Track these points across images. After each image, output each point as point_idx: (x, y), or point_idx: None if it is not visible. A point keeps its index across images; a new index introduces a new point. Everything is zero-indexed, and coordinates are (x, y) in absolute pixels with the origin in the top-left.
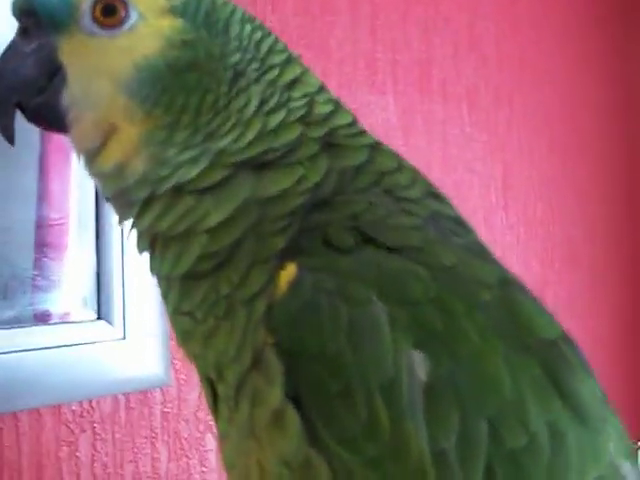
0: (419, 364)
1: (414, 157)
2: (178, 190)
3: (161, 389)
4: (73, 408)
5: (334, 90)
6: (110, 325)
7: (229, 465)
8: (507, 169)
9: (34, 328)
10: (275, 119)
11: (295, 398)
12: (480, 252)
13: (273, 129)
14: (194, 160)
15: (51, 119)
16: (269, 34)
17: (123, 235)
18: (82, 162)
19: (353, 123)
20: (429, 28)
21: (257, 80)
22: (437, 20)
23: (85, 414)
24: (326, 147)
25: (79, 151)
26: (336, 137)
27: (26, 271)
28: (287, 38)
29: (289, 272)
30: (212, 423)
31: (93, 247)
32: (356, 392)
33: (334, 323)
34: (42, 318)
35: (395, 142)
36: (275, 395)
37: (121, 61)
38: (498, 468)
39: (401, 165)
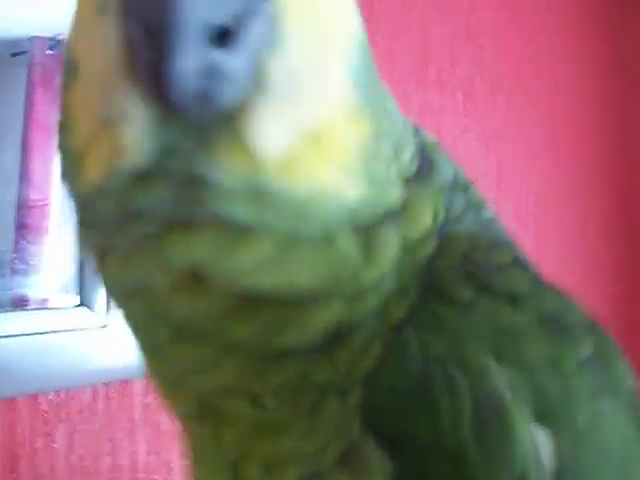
0: (544, 445)
1: None
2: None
3: (143, 380)
4: (50, 398)
5: None
6: (91, 311)
7: None
8: (501, 161)
9: (11, 313)
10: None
11: None
12: (554, 288)
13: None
14: (395, 180)
15: (229, 92)
16: None
17: None
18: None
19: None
20: (427, 19)
21: None
22: (437, 8)
23: (62, 404)
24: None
25: (231, 151)
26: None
27: (4, 254)
28: None
29: None
30: None
31: (74, 231)
32: None
33: (454, 407)
34: (20, 303)
35: None
36: None
37: (349, 26)
38: None
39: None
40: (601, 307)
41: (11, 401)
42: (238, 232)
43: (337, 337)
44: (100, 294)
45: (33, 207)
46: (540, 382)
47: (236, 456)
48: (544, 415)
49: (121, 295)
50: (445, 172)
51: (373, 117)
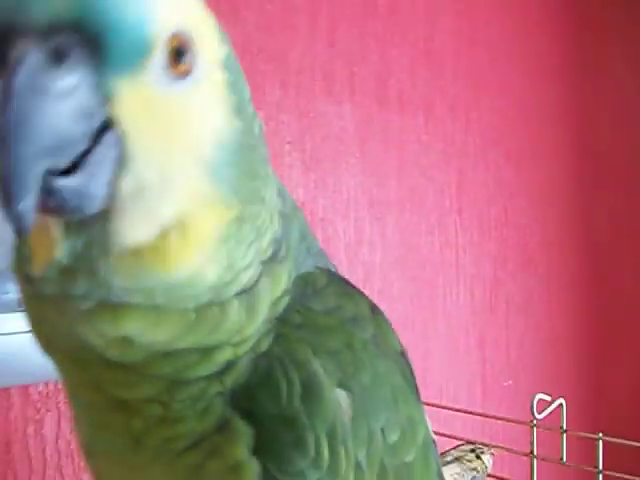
0: (344, 401)
1: (371, 164)
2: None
3: None
4: (40, 389)
5: (292, 100)
6: None
7: None
8: (462, 175)
9: (7, 315)
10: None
11: (255, 450)
12: (344, 281)
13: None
14: (251, 264)
15: (82, 202)
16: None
17: None
18: (107, 262)
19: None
20: (387, 41)
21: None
22: (395, 34)
23: (51, 395)
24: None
25: (112, 248)
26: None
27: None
28: (248, 51)
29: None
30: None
31: None
32: (308, 440)
33: (289, 387)
34: (10, 305)
35: (351, 150)
36: (239, 452)
37: (201, 128)
38: (386, 458)
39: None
40: (563, 311)
41: (5, 391)
42: (150, 312)
43: (227, 367)
44: None
45: None
46: (340, 361)
47: (139, 433)
48: (343, 381)
49: (53, 348)
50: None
51: (236, 205)
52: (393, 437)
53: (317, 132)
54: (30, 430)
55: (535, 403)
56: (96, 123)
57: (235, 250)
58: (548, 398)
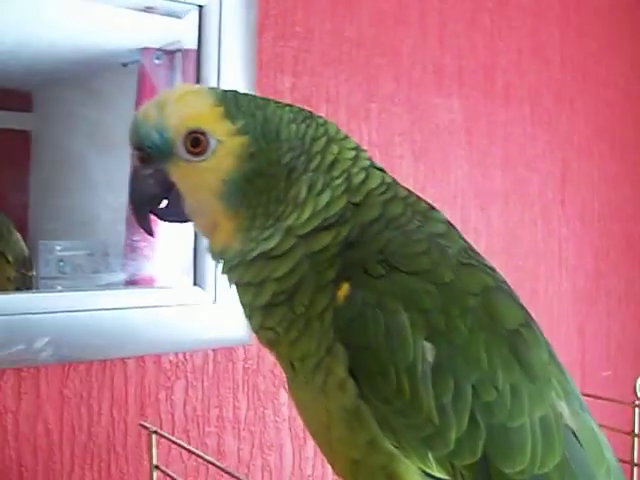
0: (429, 352)
1: (476, 155)
2: (259, 257)
3: (243, 347)
4: (170, 359)
5: (404, 93)
6: (203, 290)
7: (302, 407)
8: (566, 167)
9: (142, 290)
10: (323, 199)
11: (352, 371)
12: (469, 262)
13: (324, 206)
14: (270, 236)
15: (176, 218)
16: (311, 123)
17: None
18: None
19: (380, 184)
20: (494, 35)
21: (305, 170)
22: (502, 27)
23: (180, 364)
24: (356, 208)
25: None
26: (368, 198)
27: (137, 242)
28: (363, 46)
29: (343, 290)
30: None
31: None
32: (389, 372)
33: (376, 327)
34: (149, 282)
35: (459, 141)
36: (340, 370)
37: (212, 178)
38: (478, 413)
39: (405, 206)
40: None
41: (141, 359)
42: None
43: (290, 295)
44: (210, 276)
45: None
46: (431, 320)
47: (289, 359)
48: (432, 337)
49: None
50: (370, 214)
51: (243, 212)
52: (487, 397)
53: (426, 124)
54: (161, 396)
55: (638, 384)
56: (167, 185)
57: (249, 233)
58: None
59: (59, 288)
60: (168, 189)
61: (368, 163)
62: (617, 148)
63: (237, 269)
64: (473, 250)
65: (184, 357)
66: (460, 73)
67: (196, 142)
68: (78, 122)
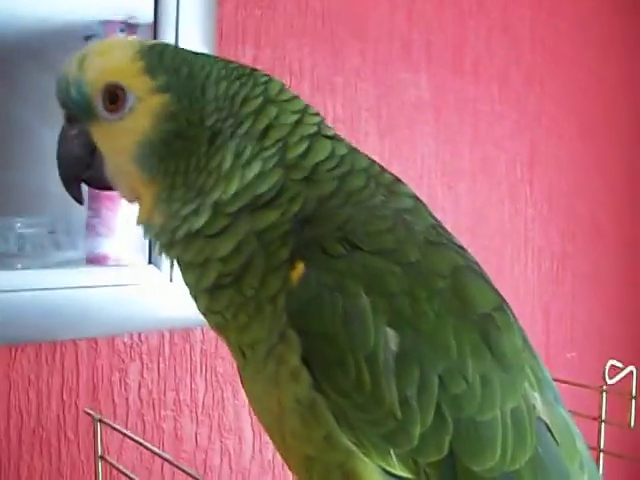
0: (391, 339)
1: (445, 132)
2: (192, 236)
3: (201, 328)
4: (124, 340)
5: (370, 68)
6: (158, 270)
7: (253, 398)
8: (535, 147)
9: (94, 268)
10: (252, 171)
11: (306, 360)
12: (437, 240)
13: (253, 180)
14: (195, 213)
15: (103, 185)
16: (247, 80)
17: None
18: None
19: (330, 156)
20: (464, 11)
21: (232, 135)
22: (472, 3)
23: (135, 346)
24: (305, 183)
25: None
26: (315, 174)
27: (89, 219)
28: (327, 19)
29: (298, 270)
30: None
31: None
32: (347, 361)
33: (333, 311)
34: (101, 260)
35: (426, 118)
36: (293, 359)
37: (128, 140)
38: (444, 406)
39: (368, 179)
40: (633, 282)
41: (93, 341)
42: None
43: (238, 276)
44: None
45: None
46: (395, 304)
47: (238, 345)
48: (395, 322)
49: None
50: (326, 187)
51: (161, 180)
52: (455, 389)
53: (393, 100)
54: (115, 378)
55: (607, 369)
56: (90, 147)
57: (168, 207)
58: (620, 365)
59: (18, 266)
60: (92, 152)
61: (314, 130)
62: (586, 130)
63: (173, 248)
64: (443, 228)
65: (139, 338)
66: (428, 48)
67: (114, 98)
68: (34, 95)
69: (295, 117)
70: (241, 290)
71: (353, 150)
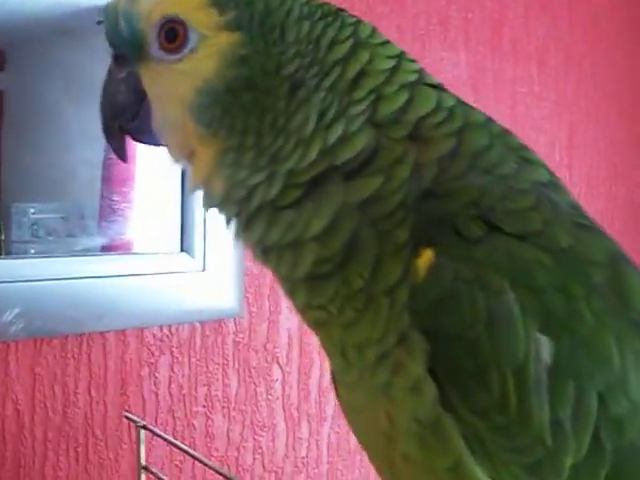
0: (544, 347)
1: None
2: (272, 208)
3: (234, 320)
4: (154, 332)
5: (408, 44)
6: (191, 257)
7: (351, 408)
8: (573, 129)
9: (122, 256)
10: (334, 133)
11: (432, 370)
12: (584, 222)
13: (335, 143)
14: (267, 182)
15: (149, 140)
16: (333, 21)
17: None
18: None
19: (436, 108)
20: None
21: (317, 87)
22: None
23: (165, 338)
24: (413, 142)
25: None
26: (421, 131)
27: (117, 203)
28: None
29: (425, 259)
30: (279, 355)
31: (179, 186)
32: (490, 373)
33: (473, 311)
34: (129, 247)
35: (465, 96)
36: (415, 367)
37: (185, 85)
38: (603, 431)
39: (491, 137)
40: None
41: (121, 333)
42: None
43: (342, 262)
44: (199, 241)
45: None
46: (547, 303)
47: (342, 346)
48: (548, 327)
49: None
50: (442, 147)
51: (223, 138)
52: (617, 409)
53: None
54: (144, 372)
55: None
56: (139, 93)
57: (234, 172)
58: None
59: (32, 252)
60: (140, 99)
61: (414, 77)
62: (625, 113)
63: (251, 225)
64: (583, 209)
65: (169, 331)
66: (466, 26)
67: (172, 35)
68: (52, 80)
69: (391, 63)
70: (347, 280)
71: (462, 103)
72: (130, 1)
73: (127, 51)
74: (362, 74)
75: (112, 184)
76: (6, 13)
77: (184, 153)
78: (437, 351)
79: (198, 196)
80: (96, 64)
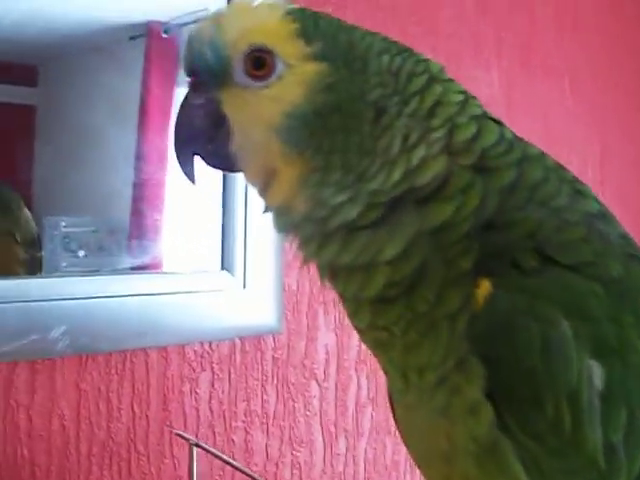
0: (596, 374)
1: (516, 130)
2: (351, 228)
3: (273, 336)
4: (195, 349)
5: (442, 63)
6: (232, 275)
7: (410, 428)
8: (605, 146)
9: (166, 275)
10: (416, 155)
11: (489, 394)
12: (633, 252)
13: (417, 165)
14: (351, 201)
15: (223, 164)
16: (408, 57)
17: (247, 194)
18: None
19: (499, 140)
20: (534, 7)
21: (399, 114)
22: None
23: (205, 355)
24: (479, 171)
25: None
26: (486, 161)
27: (158, 221)
28: (398, 16)
29: (483, 290)
30: (316, 372)
31: (219, 205)
32: (545, 399)
33: (528, 340)
34: (169, 265)
35: (499, 115)
36: (473, 391)
37: (273, 110)
38: None
39: (547, 170)
40: None
41: (164, 350)
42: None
43: (410, 286)
44: (240, 259)
45: (153, 186)
46: (599, 331)
47: (402, 368)
48: (600, 353)
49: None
50: (505, 177)
51: (310, 159)
52: None
53: None
54: (185, 388)
55: None
56: (218, 118)
57: (319, 191)
58: None
59: (76, 272)
60: (219, 123)
61: (480, 111)
62: None
63: (325, 246)
64: (632, 238)
65: (209, 347)
66: (499, 45)
67: (259, 63)
68: (83, 96)
69: (461, 97)
70: (413, 304)
71: (518, 137)
72: (216, 30)
73: (209, 77)
74: (438, 104)
75: (151, 202)
76: (38, 29)
77: (264, 174)
78: (494, 376)
79: (263, 219)
80: (125, 80)
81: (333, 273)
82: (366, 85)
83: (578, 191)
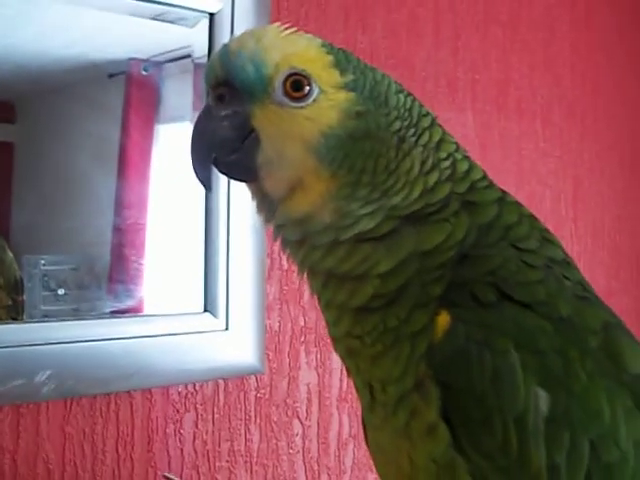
0: (542, 400)
1: (490, 171)
2: (358, 238)
3: (255, 376)
4: (179, 390)
5: None
6: (214, 317)
7: (378, 450)
8: (578, 183)
9: (151, 317)
10: (432, 178)
11: (445, 416)
12: (585, 295)
13: (431, 187)
14: (373, 214)
15: (242, 174)
16: (414, 99)
17: (229, 236)
18: (265, 210)
19: (483, 177)
20: (507, 49)
21: (416, 144)
22: (514, 42)
23: (189, 396)
24: (465, 204)
25: (265, 198)
26: (473, 193)
27: (141, 266)
28: (376, 58)
29: (443, 320)
30: (299, 410)
31: (202, 247)
32: (495, 421)
33: (481, 368)
34: (154, 309)
35: (473, 155)
36: (431, 413)
37: (310, 129)
38: (595, 476)
39: (521, 215)
40: None
41: (148, 392)
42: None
43: (390, 301)
44: (222, 301)
45: (133, 228)
46: (546, 363)
47: (368, 379)
48: (546, 383)
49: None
50: (486, 214)
51: (342, 175)
52: (607, 456)
53: None
54: (170, 430)
55: None
56: (245, 130)
57: (347, 204)
58: None
59: (55, 311)
60: (244, 135)
61: (466, 154)
62: (626, 164)
63: (333, 252)
64: (589, 285)
65: (193, 388)
66: (473, 87)
67: (298, 86)
68: (62, 133)
69: (453, 139)
70: (386, 318)
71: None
72: (259, 48)
73: (246, 91)
74: (442, 141)
75: (131, 245)
76: (15, 65)
77: (290, 185)
78: (449, 400)
79: (245, 261)
80: (105, 119)
81: (326, 280)
82: (389, 117)
83: (547, 239)
